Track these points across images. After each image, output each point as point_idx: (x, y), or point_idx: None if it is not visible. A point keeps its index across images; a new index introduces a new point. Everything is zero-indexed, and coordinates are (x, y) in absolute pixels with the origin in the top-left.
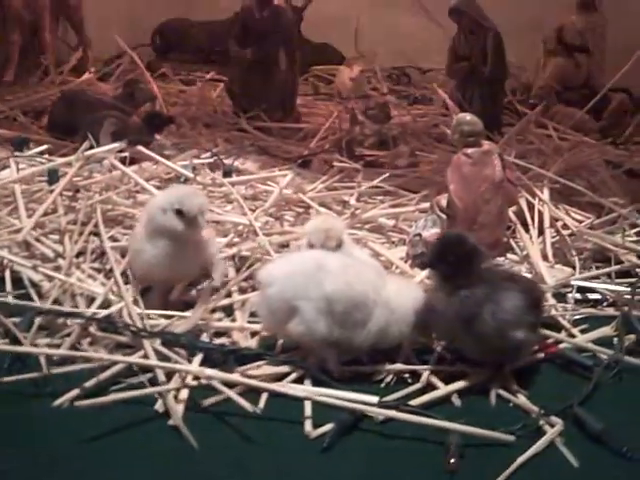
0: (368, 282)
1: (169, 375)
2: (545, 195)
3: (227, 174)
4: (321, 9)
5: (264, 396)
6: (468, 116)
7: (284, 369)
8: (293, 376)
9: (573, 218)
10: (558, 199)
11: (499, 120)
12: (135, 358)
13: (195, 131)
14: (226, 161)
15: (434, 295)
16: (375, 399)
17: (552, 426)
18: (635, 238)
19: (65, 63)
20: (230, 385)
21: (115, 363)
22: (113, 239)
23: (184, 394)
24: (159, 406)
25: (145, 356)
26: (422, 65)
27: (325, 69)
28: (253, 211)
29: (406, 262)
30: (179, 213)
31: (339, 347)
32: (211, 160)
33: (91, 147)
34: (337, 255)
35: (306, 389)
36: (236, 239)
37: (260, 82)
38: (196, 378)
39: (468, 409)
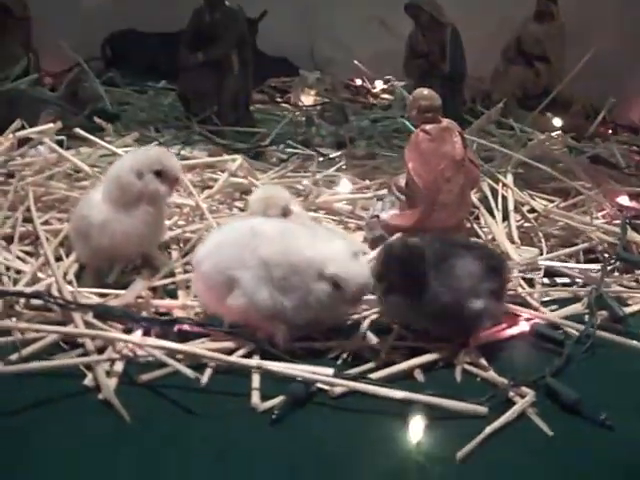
0: (306, 245)
1: (101, 350)
2: (509, 179)
3: None
4: (276, 22)
5: (208, 371)
6: (425, 91)
7: (230, 345)
8: (241, 352)
9: (539, 203)
10: (522, 186)
11: (460, 117)
12: (63, 328)
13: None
14: (172, 150)
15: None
16: (330, 371)
17: (523, 397)
18: (602, 220)
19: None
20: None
21: (41, 338)
22: (47, 223)
23: (118, 367)
24: (89, 380)
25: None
26: (379, 76)
27: (281, 81)
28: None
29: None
30: (158, 174)
31: (286, 321)
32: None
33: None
34: (274, 221)
35: (255, 361)
36: (181, 222)
37: (212, 86)
38: (132, 352)
39: (432, 384)
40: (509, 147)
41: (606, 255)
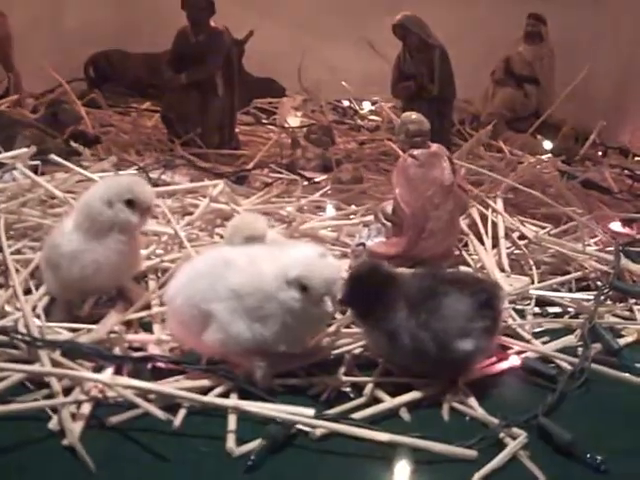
0: (273, 265)
1: (68, 391)
2: (499, 205)
3: (153, 186)
4: (263, 44)
5: (182, 412)
6: (414, 115)
7: (206, 383)
8: (217, 391)
9: (529, 229)
10: (512, 212)
11: (448, 140)
12: (27, 367)
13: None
14: (152, 175)
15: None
16: (311, 412)
17: (514, 438)
18: (594, 247)
19: None
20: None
21: (4, 378)
22: (19, 252)
23: (86, 409)
24: (53, 424)
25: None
26: (367, 98)
27: (267, 102)
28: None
29: None
30: (130, 204)
31: (267, 352)
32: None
33: None
34: (244, 249)
35: (232, 401)
36: (159, 250)
37: (196, 108)
38: (100, 392)
39: (419, 424)
40: (499, 171)
41: (599, 284)
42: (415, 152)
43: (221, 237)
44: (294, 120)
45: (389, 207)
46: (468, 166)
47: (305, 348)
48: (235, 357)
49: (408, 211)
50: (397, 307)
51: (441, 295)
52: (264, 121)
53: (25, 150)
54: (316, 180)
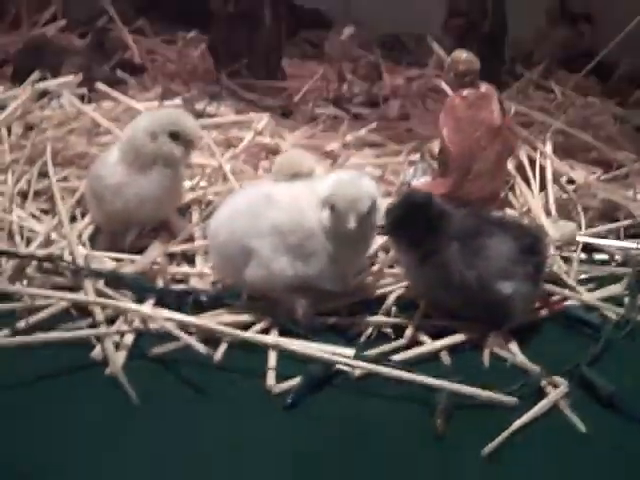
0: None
1: (112, 321)
2: (548, 148)
3: (198, 117)
4: None
5: (222, 347)
6: (464, 53)
7: (247, 318)
8: (258, 327)
9: (579, 174)
10: (562, 156)
11: (499, 80)
12: (71, 295)
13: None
14: (198, 106)
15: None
16: (351, 352)
17: (556, 387)
18: None
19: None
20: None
21: (49, 305)
22: (65, 180)
23: (128, 339)
24: (96, 353)
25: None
26: (418, 32)
27: (314, 34)
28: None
29: None
30: (174, 136)
31: (308, 293)
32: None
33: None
34: (289, 185)
35: (272, 338)
36: (203, 183)
37: (243, 38)
38: (143, 322)
39: (459, 368)
40: (548, 113)
41: None
42: (464, 92)
43: (266, 171)
44: (341, 54)
45: (436, 146)
46: (517, 107)
47: (348, 287)
48: (277, 294)
49: (455, 151)
50: (447, 241)
51: (486, 235)
52: (310, 54)
53: (72, 77)
54: (362, 115)
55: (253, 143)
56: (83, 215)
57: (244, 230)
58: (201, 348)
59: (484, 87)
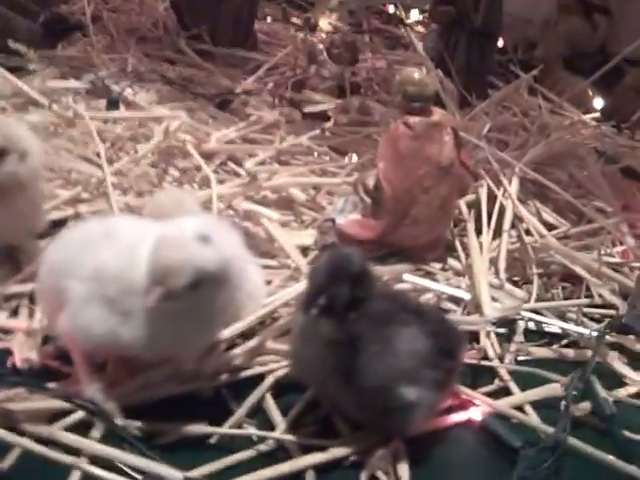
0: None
1: None
2: (513, 186)
3: (112, 105)
4: None
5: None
6: (417, 73)
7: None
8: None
9: (544, 222)
10: (532, 191)
11: (485, 80)
12: None
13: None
14: (115, 87)
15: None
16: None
17: None
18: (617, 259)
19: None
20: None
21: None
22: None
23: None
24: None
25: None
26: (416, 5)
27: None
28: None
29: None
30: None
31: (126, 355)
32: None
33: None
34: (141, 221)
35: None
36: (85, 195)
37: None
38: None
39: None
40: (527, 132)
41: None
42: (411, 120)
43: (175, 180)
44: (326, 24)
45: (371, 180)
46: (479, 143)
47: (180, 366)
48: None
49: (390, 192)
50: (356, 322)
51: (401, 323)
52: (293, 20)
53: None
54: (317, 113)
55: (156, 149)
56: None
57: (66, 268)
58: None
59: (437, 115)
